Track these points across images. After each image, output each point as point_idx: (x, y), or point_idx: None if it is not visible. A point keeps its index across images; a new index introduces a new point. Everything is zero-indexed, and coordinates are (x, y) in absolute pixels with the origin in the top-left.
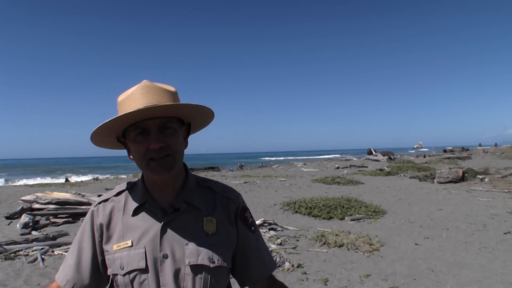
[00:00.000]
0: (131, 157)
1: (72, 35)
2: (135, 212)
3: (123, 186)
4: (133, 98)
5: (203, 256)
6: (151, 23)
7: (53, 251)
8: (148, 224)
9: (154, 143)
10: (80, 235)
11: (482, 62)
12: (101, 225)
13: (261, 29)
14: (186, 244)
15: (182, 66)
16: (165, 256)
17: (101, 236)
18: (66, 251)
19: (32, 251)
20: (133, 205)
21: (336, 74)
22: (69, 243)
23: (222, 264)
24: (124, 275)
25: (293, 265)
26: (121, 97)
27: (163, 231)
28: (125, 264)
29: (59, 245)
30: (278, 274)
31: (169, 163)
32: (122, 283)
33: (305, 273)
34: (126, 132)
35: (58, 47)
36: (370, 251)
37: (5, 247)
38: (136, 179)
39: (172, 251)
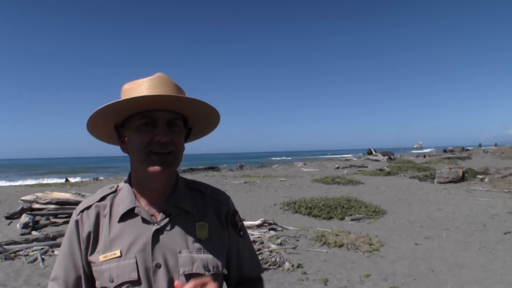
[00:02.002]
0: (125, 148)
1: (72, 34)
2: (122, 218)
3: (106, 190)
4: (147, 86)
5: (198, 264)
6: (149, 22)
7: (53, 251)
8: (137, 231)
9: (162, 135)
10: (67, 246)
11: (482, 61)
12: (88, 235)
13: (261, 28)
14: (180, 252)
15: (180, 65)
16: (158, 266)
17: (86, 248)
18: None
19: (32, 251)
20: (120, 210)
21: (336, 73)
22: None
23: (217, 272)
24: None
25: (293, 265)
26: (129, 85)
27: (154, 239)
28: (115, 276)
29: (59, 245)
30: (278, 274)
31: (170, 161)
32: None
33: (305, 273)
34: (128, 120)
35: (59, 46)
36: (370, 251)
37: (5, 247)
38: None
39: (165, 260)
